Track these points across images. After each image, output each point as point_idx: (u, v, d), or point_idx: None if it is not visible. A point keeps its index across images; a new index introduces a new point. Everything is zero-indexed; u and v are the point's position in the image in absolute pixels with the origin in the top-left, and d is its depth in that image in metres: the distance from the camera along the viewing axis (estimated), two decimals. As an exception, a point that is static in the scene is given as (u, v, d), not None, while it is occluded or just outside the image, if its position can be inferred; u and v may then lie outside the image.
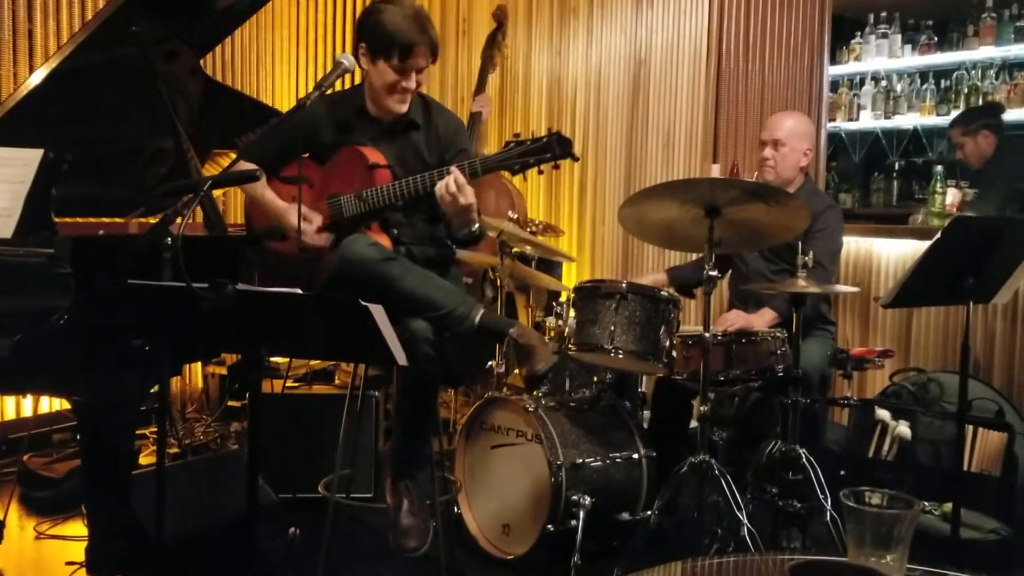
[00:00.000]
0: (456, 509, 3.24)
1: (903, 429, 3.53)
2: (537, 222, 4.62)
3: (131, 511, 2.55)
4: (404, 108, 2.83)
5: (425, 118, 2.92)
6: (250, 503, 2.05)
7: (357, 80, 2.98)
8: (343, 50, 5.62)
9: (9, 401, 4.13)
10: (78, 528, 3.24)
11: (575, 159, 2.53)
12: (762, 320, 3.32)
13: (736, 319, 3.34)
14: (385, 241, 2.76)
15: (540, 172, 2.55)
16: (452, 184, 2.56)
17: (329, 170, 2.88)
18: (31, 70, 4.03)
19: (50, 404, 4.19)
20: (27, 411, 4.17)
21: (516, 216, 3.80)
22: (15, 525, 3.34)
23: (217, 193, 4.11)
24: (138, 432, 3.75)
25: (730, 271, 3.77)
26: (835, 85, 5.36)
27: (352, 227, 2.76)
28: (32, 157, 2.49)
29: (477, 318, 2.61)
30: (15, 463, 3.68)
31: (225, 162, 3.77)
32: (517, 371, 2.67)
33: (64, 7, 4.33)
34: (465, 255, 3.56)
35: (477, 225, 2.70)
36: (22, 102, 2.80)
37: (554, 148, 2.49)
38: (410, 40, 2.68)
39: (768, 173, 3.57)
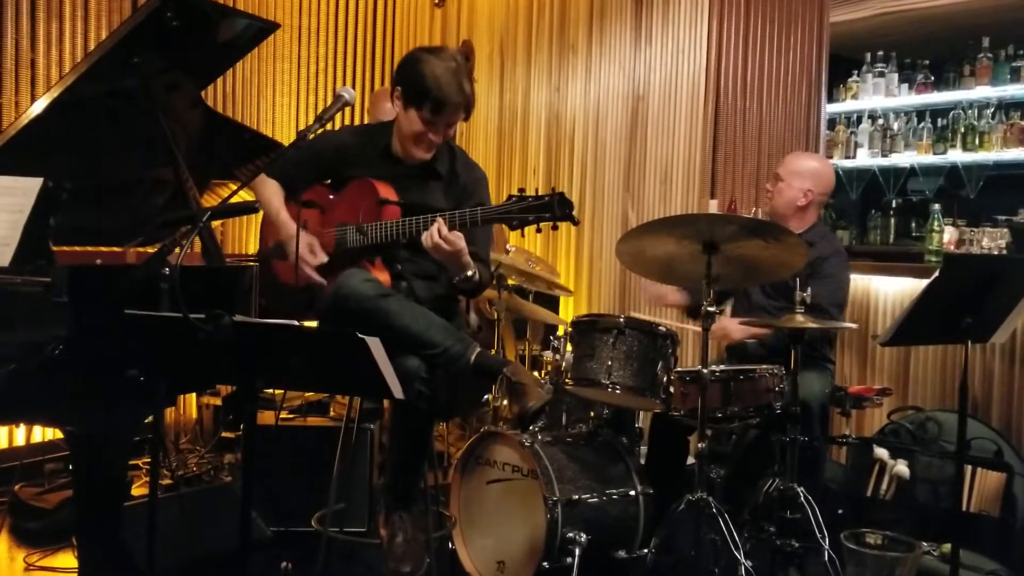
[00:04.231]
0: (451, 545, 3.21)
1: (901, 468, 3.52)
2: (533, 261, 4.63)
3: (122, 543, 2.52)
4: (428, 157, 2.85)
5: (449, 167, 2.94)
6: (243, 536, 2.03)
7: (358, 113, 3.00)
8: (344, 82, 5.66)
9: (1, 430, 4.10)
10: (69, 560, 3.19)
11: (575, 223, 2.52)
12: (739, 331, 3.41)
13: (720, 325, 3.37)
14: (385, 276, 2.75)
15: (539, 231, 2.56)
16: (435, 234, 2.56)
17: (339, 199, 2.90)
18: (33, 99, 4.05)
19: (43, 434, 4.16)
20: (19, 440, 4.14)
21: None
22: (5, 556, 3.31)
23: (216, 224, 4.12)
24: (131, 463, 3.72)
25: (731, 305, 3.77)
26: (832, 123, 5.40)
27: (355, 258, 2.77)
28: (31, 186, 2.49)
29: (473, 357, 2.59)
30: (6, 493, 3.64)
31: (224, 192, 3.78)
32: (508, 411, 2.65)
33: (67, 37, 4.36)
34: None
35: (472, 272, 2.69)
36: (22, 131, 2.81)
37: (554, 209, 2.49)
38: (447, 98, 2.70)
39: (766, 205, 3.69)
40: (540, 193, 2.52)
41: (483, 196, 2.94)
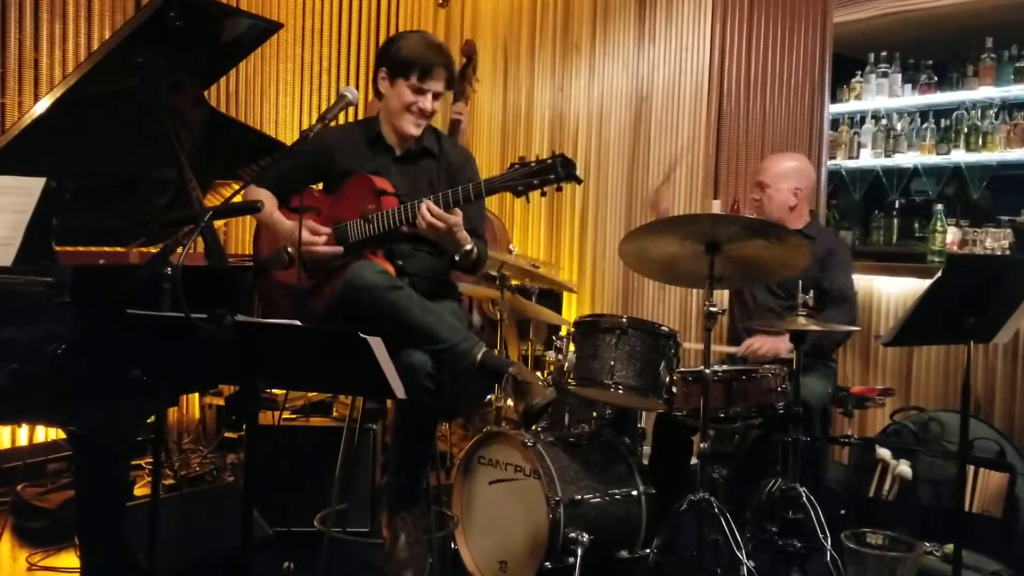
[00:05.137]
0: (453, 545, 3.21)
1: (904, 468, 3.51)
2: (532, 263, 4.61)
3: (125, 543, 2.52)
4: (418, 131, 2.88)
5: (438, 146, 2.99)
6: (245, 536, 2.03)
7: (360, 114, 3.00)
8: (346, 83, 5.65)
9: (4, 430, 4.10)
10: (71, 560, 3.20)
11: (579, 181, 2.55)
12: (787, 344, 3.31)
13: (763, 343, 3.33)
14: (390, 268, 2.76)
15: (543, 195, 2.56)
16: (427, 214, 2.60)
17: (337, 197, 2.90)
18: (36, 100, 4.05)
19: (45, 433, 4.16)
20: (22, 440, 4.15)
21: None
22: (7, 556, 3.31)
23: (219, 223, 4.13)
24: (133, 463, 3.73)
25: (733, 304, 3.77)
26: (835, 123, 5.38)
27: (357, 253, 2.77)
28: (34, 186, 2.49)
29: (479, 356, 2.61)
30: (9, 493, 3.65)
31: (227, 192, 3.78)
32: (513, 410, 2.66)
33: (70, 37, 4.36)
34: (466, 288, 3.55)
35: (470, 246, 2.72)
36: (25, 131, 2.81)
37: (558, 169, 2.50)
38: (429, 62, 2.80)
39: (756, 214, 3.66)
40: (542, 158, 2.55)
41: (472, 173, 2.98)
